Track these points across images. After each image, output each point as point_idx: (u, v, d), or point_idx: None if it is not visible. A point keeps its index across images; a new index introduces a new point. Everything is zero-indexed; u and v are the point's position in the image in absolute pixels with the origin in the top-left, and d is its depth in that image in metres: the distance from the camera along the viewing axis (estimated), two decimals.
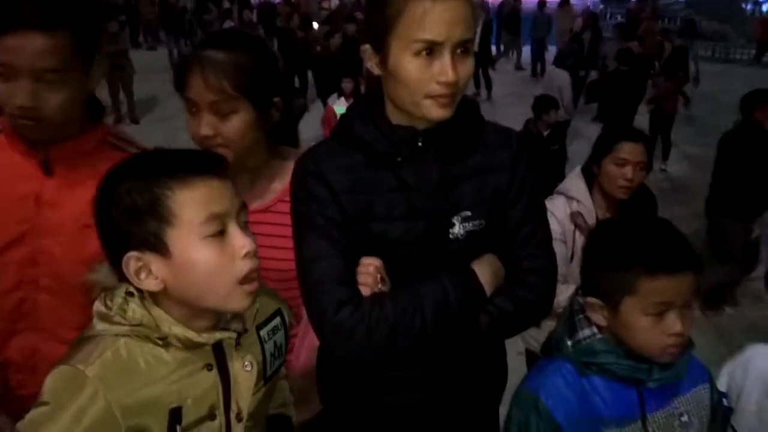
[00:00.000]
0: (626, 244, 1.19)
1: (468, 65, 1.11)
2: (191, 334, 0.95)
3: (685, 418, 1.25)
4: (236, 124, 1.31)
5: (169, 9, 13.92)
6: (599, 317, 1.22)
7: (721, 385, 1.48)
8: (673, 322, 1.13)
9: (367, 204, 1.17)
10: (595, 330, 1.23)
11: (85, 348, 0.92)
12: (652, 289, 1.13)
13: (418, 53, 1.08)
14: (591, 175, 2.28)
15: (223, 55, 1.29)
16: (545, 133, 5.15)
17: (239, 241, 0.95)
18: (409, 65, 1.09)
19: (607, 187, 2.20)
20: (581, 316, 1.25)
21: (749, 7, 18.61)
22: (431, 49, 1.07)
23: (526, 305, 1.19)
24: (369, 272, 1.15)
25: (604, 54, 9.95)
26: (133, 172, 0.94)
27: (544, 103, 5.21)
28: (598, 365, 1.21)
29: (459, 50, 1.09)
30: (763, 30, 15.43)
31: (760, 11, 17.59)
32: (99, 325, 0.94)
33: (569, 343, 1.24)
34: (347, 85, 6.31)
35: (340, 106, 6.23)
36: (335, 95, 6.64)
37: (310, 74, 9.99)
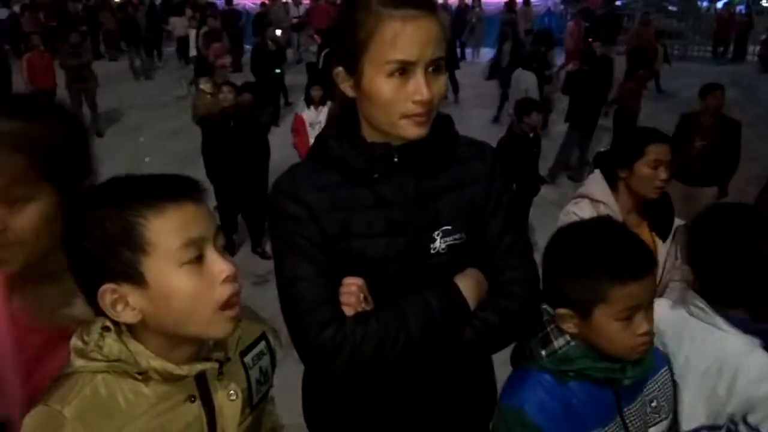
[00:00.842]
0: (592, 254, 1.20)
1: (441, 83, 1.12)
2: (171, 367, 0.93)
3: (654, 404, 1.31)
4: (32, 214, 1.00)
5: (127, 19, 13.69)
6: (570, 326, 1.24)
7: None
8: (641, 323, 1.18)
9: (345, 222, 1.17)
10: (569, 338, 1.26)
11: (62, 386, 0.90)
12: (622, 296, 1.16)
13: (391, 74, 1.08)
14: (611, 178, 2.28)
15: (14, 125, 0.99)
16: (531, 135, 5.20)
17: (218, 265, 0.92)
18: (383, 86, 1.09)
19: (640, 189, 2.20)
20: (552, 326, 1.28)
21: (705, 4, 19.07)
22: (404, 69, 1.08)
23: (511, 316, 1.19)
24: (351, 291, 1.14)
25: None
26: (104, 199, 0.91)
27: (525, 106, 5.26)
28: (576, 371, 1.24)
29: (431, 68, 1.09)
30: (719, 27, 15.85)
31: (716, 8, 18.02)
32: (76, 362, 0.92)
33: (543, 353, 1.26)
34: (316, 92, 6.28)
35: (309, 115, 6.23)
36: (304, 104, 6.61)
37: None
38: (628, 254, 1.19)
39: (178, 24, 13.83)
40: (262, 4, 15.02)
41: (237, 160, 5.69)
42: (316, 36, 11.21)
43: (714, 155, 4.67)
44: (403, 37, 1.06)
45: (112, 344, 0.91)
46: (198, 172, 6.08)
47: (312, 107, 6.28)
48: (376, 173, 1.18)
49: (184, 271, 0.90)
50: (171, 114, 9.38)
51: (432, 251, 1.19)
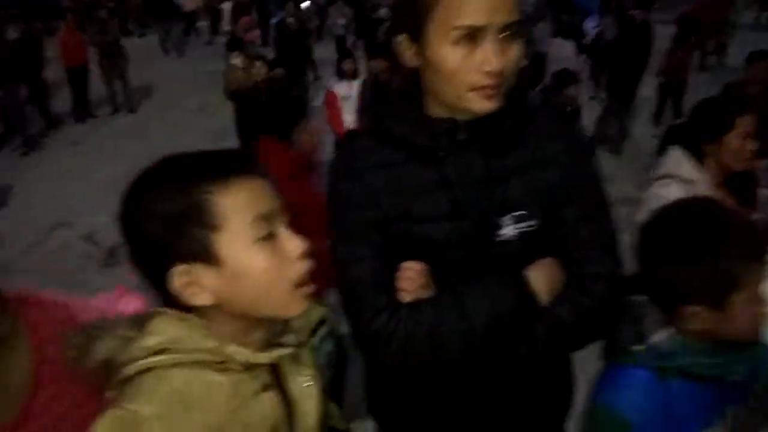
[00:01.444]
0: (714, 237, 1.08)
1: (515, 51, 1.02)
2: (250, 355, 0.87)
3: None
4: None
5: None
6: (697, 321, 1.11)
7: None
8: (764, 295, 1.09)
9: (406, 203, 1.10)
10: (669, 332, 1.16)
11: (131, 386, 0.83)
12: (755, 277, 1.07)
13: (458, 41, 0.99)
14: (696, 154, 2.15)
15: None
16: (568, 109, 5.03)
17: (291, 241, 0.88)
18: (448, 55, 1.00)
19: (731, 162, 2.10)
20: (648, 320, 1.18)
21: None
22: (473, 36, 0.98)
23: (588, 314, 1.08)
24: (410, 277, 1.08)
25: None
26: (164, 179, 0.86)
27: (563, 78, 5.09)
28: (677, 368, 1.14)
29: (504, 35, 1.00)
30: None
31: None
32: (143, 359, 0.84)
33: (640, 348, 1.16)
34: (348, 66, 6.18)
35: (340, 88, 6.14)
36: (335, 77, 6.53)
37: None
38: (752, 233, 1.09)
39: None
40: None
41: (269, 133, 5.66)
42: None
43: (763, 128, 4.48)
44: (472, 1, 0.97)
45: (185, 333, 0.85)
46: (234, 146, 6.08)
47: (344, 81, 6.20)
48: (440, 151, 1.10)
49: (257, 247, 0.85)
50: (202, 89, 9.36)
51: (500, 238, 1.10)
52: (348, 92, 6.17)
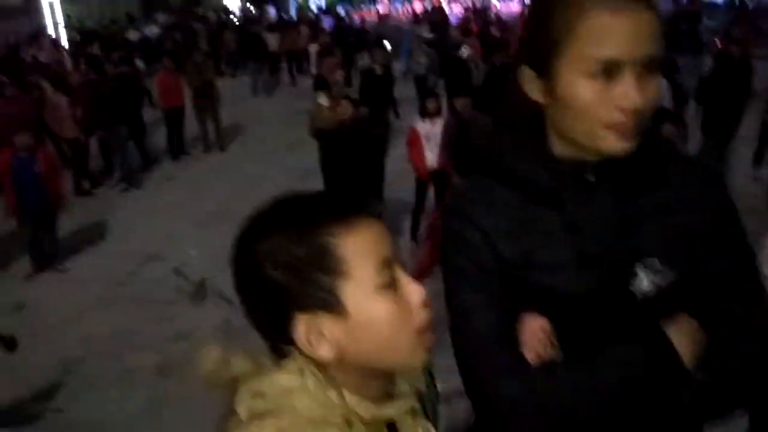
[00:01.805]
0: None
1: (655, 86, 0.94)
2: (375, 410, 0.82)
3: None
4: None
5: (251, 37, 14.36)
6: None
7: None
8: None
9: (526, 249, 1.02)
10: None
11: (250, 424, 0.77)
12: None
13: (594, 75, 0.92)
14: None
15: None
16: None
17: (413, 288, 0.83)
18: (583, 90, 0.93)
19: None
20: None
21: None
22: (610, 70, 0.91)
23: (737, 379, 0.97)
24: (535, 333, 0.99)
25: None
26: (283, 221, 0.82)
27: (659, 116, 4.87)
28: None
29: (643, 69, 0.92)
30: None
31: None
32: (255, 422, 0.77)
33: None
34: (432, 104, 6.20)
35: (423, 127, 6.16)
36: (418, 116, 6.56)
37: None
38: None
39: (270, 40, 14.48)
40: (379, 18, 15.29)
41: (354, 173, 5.74)
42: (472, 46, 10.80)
43: None
44: (611, 32, 0.90)
45: (309, 388, 0.80)
46: (317, 184, 6.19)
47: (427, 119, 6.21)
48: (566, 193, 1.01)
49: (381, 294, 0.80)
50: (288, 128, 9.66)
51: (634, 290, 1.00)
52: (431, 131, 6.18)
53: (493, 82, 7.50)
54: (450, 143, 5.77)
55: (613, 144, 0.95)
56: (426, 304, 0.83)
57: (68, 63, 14.26)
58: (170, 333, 4.83)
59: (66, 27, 20.31)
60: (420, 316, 0.82)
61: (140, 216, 7.36)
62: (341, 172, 5.91)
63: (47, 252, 6.14)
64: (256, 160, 8.86)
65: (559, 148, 1.03)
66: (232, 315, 4.81)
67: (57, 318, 5.24)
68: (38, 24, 19.92)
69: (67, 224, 6.54)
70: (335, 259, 0.78)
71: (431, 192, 6.17)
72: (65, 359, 4.60)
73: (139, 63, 12.85)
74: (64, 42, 18.30)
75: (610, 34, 0.90)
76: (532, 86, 1.01)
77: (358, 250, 0.79)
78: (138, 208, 7.71)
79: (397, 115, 10.16)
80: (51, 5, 21.01)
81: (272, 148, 9.30)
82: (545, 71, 0.97)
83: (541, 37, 0.96)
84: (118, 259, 6.27)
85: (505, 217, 1.03)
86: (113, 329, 4.99)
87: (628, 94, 0.91)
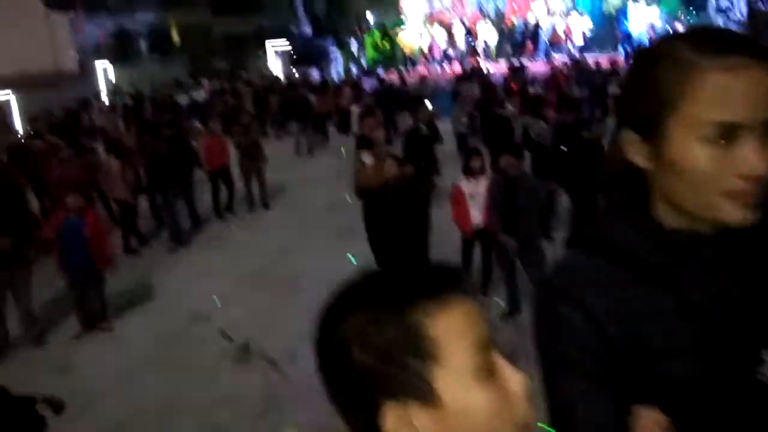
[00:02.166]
0: None
1: None
2: None
3: None
4: None
5: (295, 100, 14.73)
6: None
7: None
8: None
9: (636, 333, 0.92)
10: None
11: None
12: None
13: (710, 139, 0.84)
14: None
15: None
16: None
17: (516, 377, 0.74)
18: (698, 155, 0.85)
19: None
20: None
21: None
22: (729, 134, 0.83)
23: None
24: (650, 428, 0.89)
25: None
26: (368, 299, 0.75)
27: None
28: None
29: (765, 132, 0.84)
30: None
31: None
32: None
33: None
34: (476, 163, 6.18)
35: (467, 186, 6.11)
36: (462, 174, 6.53)
37: None
38: None
39: (314, 101, 14.71)
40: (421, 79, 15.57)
41: (399, 231, 5.71)
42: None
43: None
44: (730, 93, 0.82)
45: None
46: (360, 243, 6.17)
47: (471, 178, 6.18)
48: (679, 271, 0.92)
49: (479, 382, 0.71)
50: (330, 187, 9.76)
51: (761, 378, 0.90)
52: (475, 190, 6.13)
53: (562, 141, 7.30)
54: (496, 202, 5.71)
55: (734, 214, 0.86)
56: (530, 397, 0.74)
57: (121, 126, 14.86)
58: (216, 396, 4.77)
59: (118, 92, 21.28)
60: (522, 409, 0.73)
61: (186, 276, 7.43)
62: (386, 231, 5.89)
63: (95, 311, 6.21)
64: (299, 220, 8.93)
65: (666, 217, 0.94)
66: (276, 379, 4.78)
67: (103, 380, 5.24)
68: (93, 89, 20.98)
69: (114, 283, 6.63)
70: (428, 340, 0.70)
71: (477, 251, 6.09)
72: (110, 423, 4.57)
73: (196, 123, 13.27)
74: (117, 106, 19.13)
75: (729, 96, 0.82)
76: (634, 150, 0.93)
77: (453, 330, 0.71)
78: (184, 267, 7.80)
79: (438, 173, 10.17)
80: (105, 71, 22.16)
81: (315, 208, 9.38)
82: (652, 134, 0.90)
83: (647, 97, 0.89)
84: (165, 318, 6.31)
85: (612, 297, 0.93)
86: (158, 392, 4.95)
87: (751, 159, 0.83)
